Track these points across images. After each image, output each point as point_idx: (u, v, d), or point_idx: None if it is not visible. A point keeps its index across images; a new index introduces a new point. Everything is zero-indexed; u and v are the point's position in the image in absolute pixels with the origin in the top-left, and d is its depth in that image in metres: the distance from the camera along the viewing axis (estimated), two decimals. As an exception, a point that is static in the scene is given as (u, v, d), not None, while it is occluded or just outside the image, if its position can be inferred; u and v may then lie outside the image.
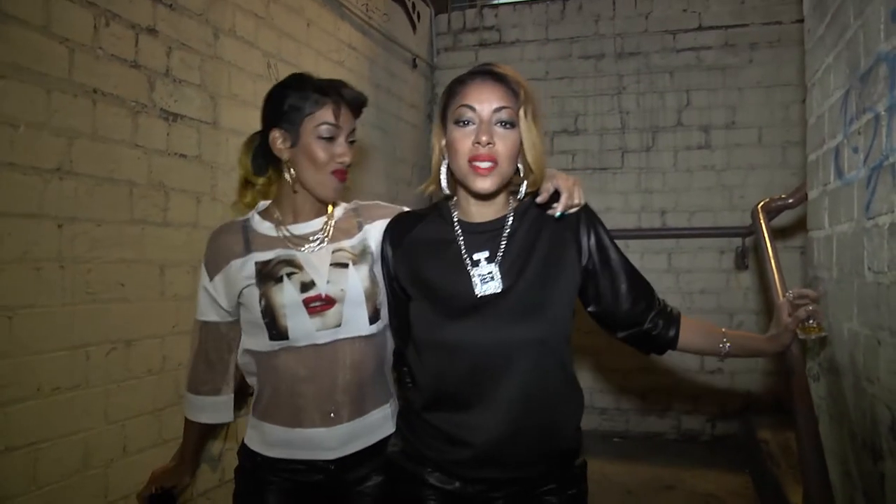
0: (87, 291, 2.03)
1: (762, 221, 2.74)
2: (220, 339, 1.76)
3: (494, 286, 1.48)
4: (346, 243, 1.71)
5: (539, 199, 1.55)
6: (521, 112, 1.46)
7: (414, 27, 4.94)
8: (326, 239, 1.71)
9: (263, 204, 1.79)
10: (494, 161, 1.44)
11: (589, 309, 1.60)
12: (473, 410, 1.47)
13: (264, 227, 1.72)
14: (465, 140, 1.45)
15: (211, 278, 1.71)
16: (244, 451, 1.73)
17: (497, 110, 1.45)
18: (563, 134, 5.16)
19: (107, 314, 2.10)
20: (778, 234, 3.41)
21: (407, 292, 1.59)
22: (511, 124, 1.46)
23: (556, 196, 1.55)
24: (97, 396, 2.07)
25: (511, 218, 1.56)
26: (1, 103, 1.78)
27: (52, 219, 1.92)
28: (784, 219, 3.91)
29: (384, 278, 1.68)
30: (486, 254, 1.52)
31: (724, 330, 1.64)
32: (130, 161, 2.19)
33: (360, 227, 1.74)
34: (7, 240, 1.80)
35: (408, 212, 1.73)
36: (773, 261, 2.51)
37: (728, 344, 1.61)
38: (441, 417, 1.51)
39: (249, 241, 1.70)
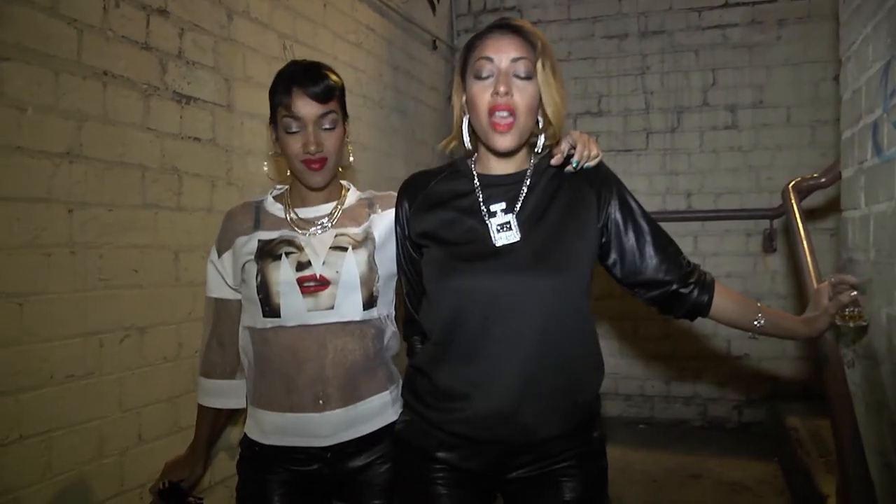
0: (100, 278, 2.00)
1: (793, 202, 2.65)
2: (231, 316, 1.78)
3: (512, 235, 1.47)
4: (350, 230, 1.71)
5: (553, 161, 1.53)
6: (539, 64, 1.44)
7: (433, 8, 4.86)
8: (332, 224, 1.71)
9: (281, 187, 1.81)
10: (512, 112, 1.43)
11: (614, 269, 1.57)
12: (482, 363, 1.43)
13: (275, 209, 1.75)
14: (483, 93, 1.44)
15: (219, 255, 1.75)
16: (244, 442, 1.73)
17: (514, 61, 1.43)
18: (586, 115, 5.07)
19: (120, 301, 2.07)
20: (807, 215, 3.31)
21: (421, 249, 1.58)
22: (529, 76, 1.44)
23: (572, 156, 1.54)
24: (111, 384, 2.04)
25: (531, 172, 1.55)
26: (8, 85, 1.74)
27: (62, 203, 1.89)
28: (813, 200, 3.80)
29: (398, 241, 1.67)
30: (503, 205, 1.51)
31: (759, 305, 1.58)
32: (142, 144, 2.15)
33: (368, 217, 1.74)
34: (16, 225, 1.77)
35: (421, 171, 1.71)
36: (805, 243, 2.42)
37: (763, 319, 1.56)
38: (447, 371, 1.47)
39: (259, 220, 1.73)
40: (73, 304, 1.92)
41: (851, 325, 1.59)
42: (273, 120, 1.68)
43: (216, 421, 1.88)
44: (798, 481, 3.31)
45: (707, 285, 1.56)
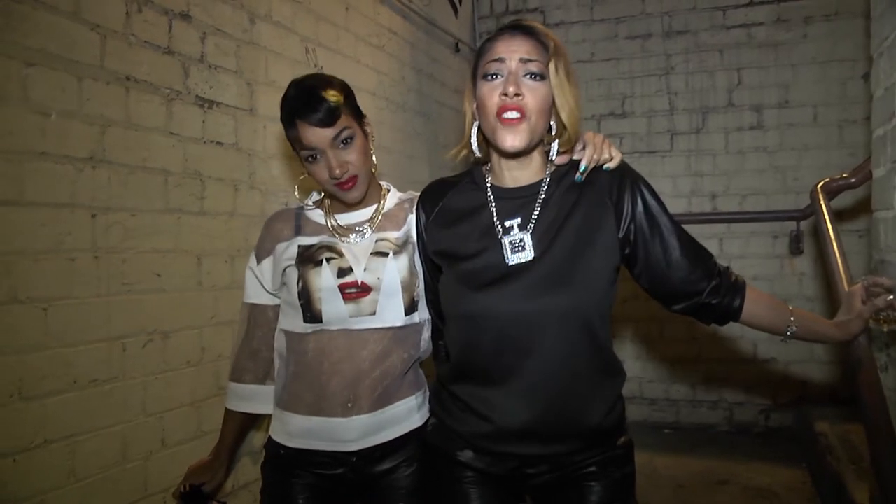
0: (123, 282, 2.00)
1: (822, 202, 2.60)
2: (266, 323, 1.79)
3: (526, 255, 1.42)
4: (390, 234, 1.70)
5: (557, 161, 1.48)
6: (552, 65, 1.39)
7: (456, 11, 4.84)
8: (372, 228, 1.70)
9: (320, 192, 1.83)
10: (522, 113, 1.37)
11: (640, 280, 1.52)
12: (497, 387, 1.42)
13: (315, 215, 1.76)
14: (493, 94, 1.39)
15: (259, 262, 1.77)
16: (269, 444, 1.74)
17: (525, 62, 1.38)
18: (609, 117, 5.03)
19: (143, 305, 2.07)
20: (835, 217, 3.26)
21: (437, 266, 1.56)
22: (541, 76, 1.39)
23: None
24: (135, 389, 2.04)
25: (546, 183, 1.49)
26: (32, 91, 1.75)
27: (86, 208, 1.89)
28: (841, 201, 3.73)
29: (419, 249, 1.67)
30: (518, 220, 1.46)
31: (791, 308, 1.53)
32: (165, 149, 2.15)
33: (406, 219, 1.73)
34: (40, 230, 1.78)
35: (440, 180, 1.69)
36: (835, 244, 2.37)
37: (795, 324, 1.51)
38: (466, 390, 1.47)
39: (300, 226, 1.74)
40: (96, 309, 1.92)
41: (886, 328, 1.55)
42: (294, 149, 1.68)
43: (242, 425, 1.88)
44: (828, 488, 3.25)
45: (738, 289, 1.50)
